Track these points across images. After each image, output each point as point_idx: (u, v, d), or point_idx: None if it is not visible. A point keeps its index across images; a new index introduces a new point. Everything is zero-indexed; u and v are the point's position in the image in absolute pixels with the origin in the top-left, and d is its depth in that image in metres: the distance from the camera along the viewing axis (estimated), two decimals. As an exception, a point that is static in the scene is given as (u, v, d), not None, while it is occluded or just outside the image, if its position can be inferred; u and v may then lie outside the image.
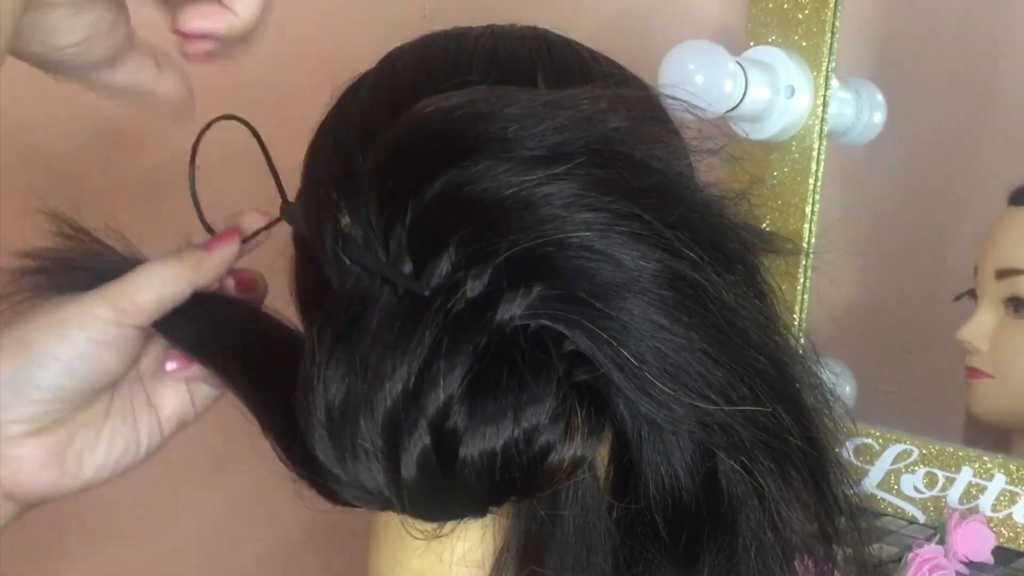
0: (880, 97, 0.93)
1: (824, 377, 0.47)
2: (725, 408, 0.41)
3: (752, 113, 0.83)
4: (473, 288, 0.40)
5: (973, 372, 0.90)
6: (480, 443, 0.39)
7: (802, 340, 0.48)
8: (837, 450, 0.46)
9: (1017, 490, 0.80)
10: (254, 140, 0.53)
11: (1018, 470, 0.80)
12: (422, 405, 0.39)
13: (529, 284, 0.40)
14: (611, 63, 0.50)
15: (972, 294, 0.91)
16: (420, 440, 0.39)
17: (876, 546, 0.82)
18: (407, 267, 0.41)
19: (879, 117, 0.93)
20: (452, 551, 0.45)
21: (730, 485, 0.43)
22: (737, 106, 0.80)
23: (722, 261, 0.42)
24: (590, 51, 0.50)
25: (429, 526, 0.43)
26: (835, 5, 0.85)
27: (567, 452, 0.40)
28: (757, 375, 0.42)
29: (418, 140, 0.41)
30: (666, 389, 0.40)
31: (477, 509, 0.42)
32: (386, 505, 0.42)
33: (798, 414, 0.44)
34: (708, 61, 0.78)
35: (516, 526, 0.43)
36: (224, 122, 0.53)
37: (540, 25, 0.51)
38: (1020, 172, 0.91)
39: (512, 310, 0.40)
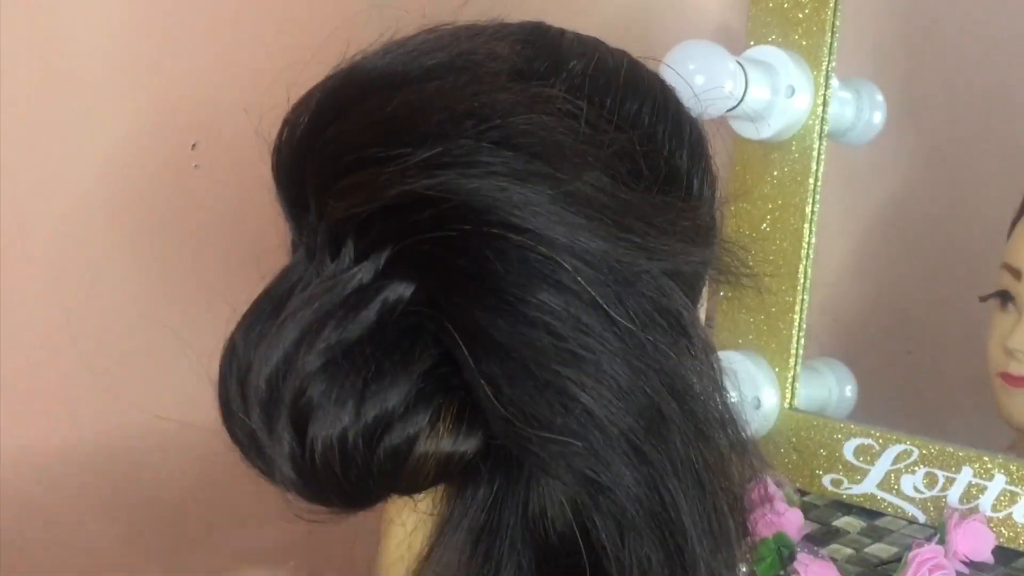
0: (880, 97, 0.93)
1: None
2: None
3: (752, 113, 0.83)
4: (364, 275, 0.40)
5: (1016, 380, 0.87)
6: (327, 426, 0.39)
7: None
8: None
9: (1017, 490, 0.80)
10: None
11: (1018, 470, 0.80)
12: (288, 381, 0.40)
13: (413, 278, 0.40)
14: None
15: (1000, 296, 0.88)
16: (283, 418, 0.40)
17: (876, 546, 0.82)
18: (325, 255, 0.42)
19: (879, 117, 0.93)
20: None
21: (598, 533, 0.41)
22: (737, 106, 0.80)
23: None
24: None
25: (422, 506, 0.43)
26: (835, 5, 0.85)
27: (429, 448, 0.40)
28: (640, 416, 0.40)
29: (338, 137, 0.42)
30: (530, 409, 0.39)
31: (360, 498, 0.42)
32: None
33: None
34: (708, 61, 0.78)
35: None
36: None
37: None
38: (1020, 172, 0.91)
39: (394, 294, 0.40)
